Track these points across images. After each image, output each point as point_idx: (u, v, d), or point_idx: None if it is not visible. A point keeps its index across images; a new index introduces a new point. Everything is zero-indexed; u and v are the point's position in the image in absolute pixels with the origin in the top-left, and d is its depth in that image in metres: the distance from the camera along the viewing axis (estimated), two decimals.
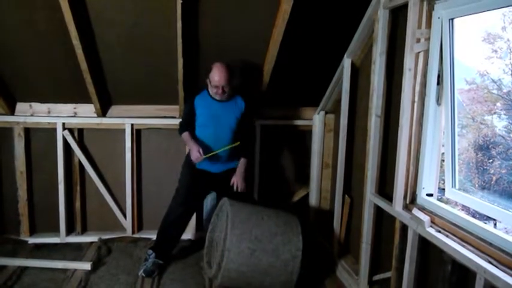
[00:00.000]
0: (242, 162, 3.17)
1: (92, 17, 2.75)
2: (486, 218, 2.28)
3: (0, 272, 3.06)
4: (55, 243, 3.60)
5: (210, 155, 3.03)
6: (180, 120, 3.26)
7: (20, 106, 3.49)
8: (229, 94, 3.03)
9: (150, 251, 3.16)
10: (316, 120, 3.79)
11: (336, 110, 3.69)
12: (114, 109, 3.58)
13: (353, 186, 3.32)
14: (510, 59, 3.40)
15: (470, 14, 2.02)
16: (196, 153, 2.94)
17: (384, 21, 2.54)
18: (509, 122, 3.83)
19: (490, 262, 1.73)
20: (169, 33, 2.84)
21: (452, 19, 2.12)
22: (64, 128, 3.51)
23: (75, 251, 3.48)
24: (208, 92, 3.07)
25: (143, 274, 3.05)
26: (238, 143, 3.07)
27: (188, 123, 3.13)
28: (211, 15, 2.83)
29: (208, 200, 3.76)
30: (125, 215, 3.72)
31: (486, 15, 2.08)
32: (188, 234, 3.75)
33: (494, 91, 3.78)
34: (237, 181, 3.12)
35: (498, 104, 3.79)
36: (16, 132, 3.49)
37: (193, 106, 3.08)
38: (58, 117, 3.50)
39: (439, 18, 2.18)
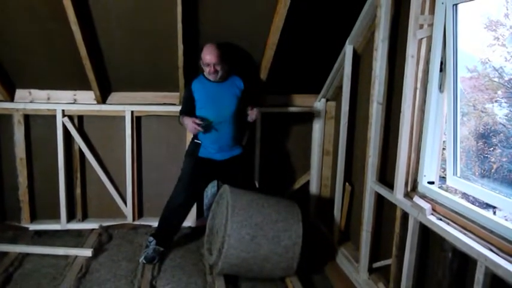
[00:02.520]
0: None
1: (91, 2, 2.72)
2: (485, 206, 2.28)
3: (1, 258, 3.07)
4: (56, 230, 3.61)
5: (207, 123, 3.00)
6: (180, 108, 3.24)
7: (20, 93, 3.47)
8: (223, 74, 3.03)
9: (151, 238, 3.16)
10: (317, 108, 3.78)
11: (337, 97, 3.68)
12: (114, 96, 3.56)
13: (354, 174, 3.32)
14: None
15: None
16: (192, 124, 2.94)
17: (386, 6, 2.51)
18: (510, 111, 3.81)
19: (491, 250, 1.73)
20: (170, 18, 2.81)
21: (456, 4, 2.09)
22: (64, 115, 3.49)
23: (76, 238, 3.49)
24: (204, 75, 3.08)
25: (144, 261, 3.06)
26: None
27: (187, 111, 3.11)
28: (211, 0, 2.79)
29: (209, 187, 3.76)
30: (125, 202, 3.73)
31: (489, 2, 2.05)
32: (189, 221, 3.75)
33: (496, 79, 3.75)
34: (255, 111, 3.05)
35: (499, 92, 3.77)
36: (16, 119, 3.47)
37: (191, 91, 3.08)
38: (58, 104, 3.48)
39: (442, 3, 2.15)
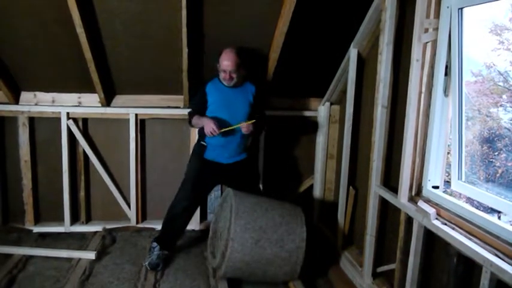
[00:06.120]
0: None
1: (96, 5, 2.73)
2: (490, 211, 2.27)
3: (5, 260, 3.07)
4: (59, 233, 3.62)
5: (225, 130, 2.91)
6: (189, 110, 3.19)
7: (25, 95, 3.48)
8: (239, 81, 3.00)
9: (155, 244, 3.13)
10: (321, 111, 3.78)
11: (341, 101, 3.67)
12: (118, 99, 3.57)
13: (358, 178, 3.31)
14: None
15: (481, 3, 1.99)
16: (211, 126, 2.82)
17: (391, 10, 2.50)
18: None
19: (496, 255, 1.72)
20: (174, 22, 2.82)
21: (461, 8, 2.09)
22: (68, 118, 3.51)
23: (79, 240, 3.49)
24: (219, 79, 3.04)
25: (148, 267, 3.03)
26: (253, 120, 2.96)
27: (197, 109, 3.06)
28: (216, 4, 2.80)
29: (213, 191, 3.76)
30: (129, 205, 3.73)
31: (494, 6, 2.05)
32: (192, 225, 3.76)
33: (501, 83, 3.74)
34: (247, 125, 2.94)
35: (504, 97, 3.76)
36: (20, 122, 3.49)
37: (205, 93, 3.03)
38: (62, 107, 3.49)
39: (448, 7, 2.15)
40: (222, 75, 2.96)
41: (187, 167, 3.21)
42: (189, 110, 3.22)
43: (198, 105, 3.08)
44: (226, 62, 2.89)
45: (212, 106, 3.02)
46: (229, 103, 3.01)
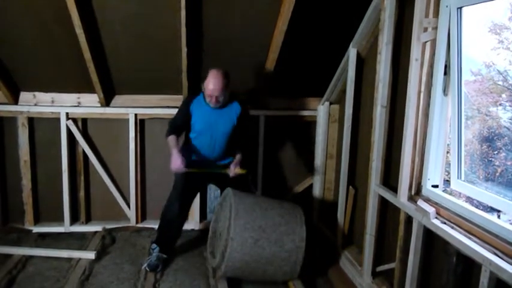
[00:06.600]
0: (238, 157, 3.07)
1: (95, 5, 2.73)
2: (489, 210, 2.27)
3: (5, 260, 3.07)
4: (59, 233, 3.62)
5: (192, 171, 2.98)
6: (171, 120, 3.13)
7: (24, 95, 3.48)
8: (224, 101, 2.94)
9: (154, 245, 3.13)
10: (320, 111, 3.78)
11: (340, 100, 3.67)
12: (117, 99, 3.57)
13: (357, 177, 3.31)
14: None
15: (480, 2, 1.99)
16: (177, 164, 2.88)
17: (390, 10, 2.50)
18: None
19: (495, 254, 1.72)
20: (173, 21, 2.82)
21: (460, 8, 2.09)
22: (68, 118, 3.51)
23: (79, 240, 3.49)
24: (204, 98, 2.98)
25: (147, 268, 3.01)
26: (244, 171, 3.02)
27: (178, 126, 3.05)
28: (215, 3, 2.80)
29: (212, 190, 3.76)
30: (128, 205, 3.73)
31: (493, 6, 2.05)
32: (192, 224, 3.76)
33: (500, 82, 3.75)
34: (233, 169, 2.99)
35: (503, 96, 3.77)
36: (20, 122, 3.49)
37: (189, 110, 2.99)
38: (62, 107, 3.49)
39: (447, 6, 2.14)
40: (207, 98, 2.90)
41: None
42: (170, 121, 3.14)
43: (179, 121, 3.06)
44: (213, 87, 2.80)
45: (196, 126, 3.02)
46: (212, 124, 2.99)
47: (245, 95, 3.32)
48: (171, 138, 3.01)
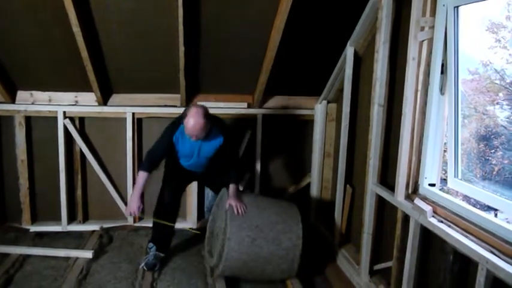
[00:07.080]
0: (232, 187, 2.91)
1: (92, 4, 2.72)
2: (486, 208, 2.28)
3: (2, 260, 3.07)
4: (57, 232, 3.61)
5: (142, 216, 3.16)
6: (149, 150, 2.99)
7: (21, 94, 3.47)
8: (205, 134, 2.86)
9: (151, 244, 3.14)
10: (318, 110, 3.78)
11: (338, 99, 3.67)
12: (115, 98, 3.56)
13: (355, 176, 3.31)
14: None
15: (476, 1, 2.00)
16: (133, 209, 2.88)
17: (387, 9, 2.51)
18: (511, 113, 3.81)
19: (492, 252, 1.73)
20: (171, 20, 2.82)
21: (457, 7, 2.09)
22: (65, 117, 3.50)
23: (76, 240, 3.49)
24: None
25: (145, 267, 3.02)
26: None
27: (157, 159, 2.98)
28: (213, 1, 2.79)
29: (209, 190, 3.76)
30: (126, 204, 3.72)
31: (490, 4, 2.05)
32: (190, 224, 3.76)
33: (497, 81, 3.75)
34: (235, 205, 2.81)
35: (501, 94, 3.77)
36: (17, 121, 3.48)
37: (172, 142, 2.94)
38: (59, 106, 3.49)
39: (444, 5, 2.15)
40: (187, 135, 2.84)
41: (164, 168, 3.19)
42: (149, 151, 2.99)
43: (159, 153, 2.98)
44: (192, 127, 2.73)
45: (179, 152, 3.02)
46: (194, 151, 2.99)
47: (244, 95, 3.31)
48: (141, 176, 2.91)
